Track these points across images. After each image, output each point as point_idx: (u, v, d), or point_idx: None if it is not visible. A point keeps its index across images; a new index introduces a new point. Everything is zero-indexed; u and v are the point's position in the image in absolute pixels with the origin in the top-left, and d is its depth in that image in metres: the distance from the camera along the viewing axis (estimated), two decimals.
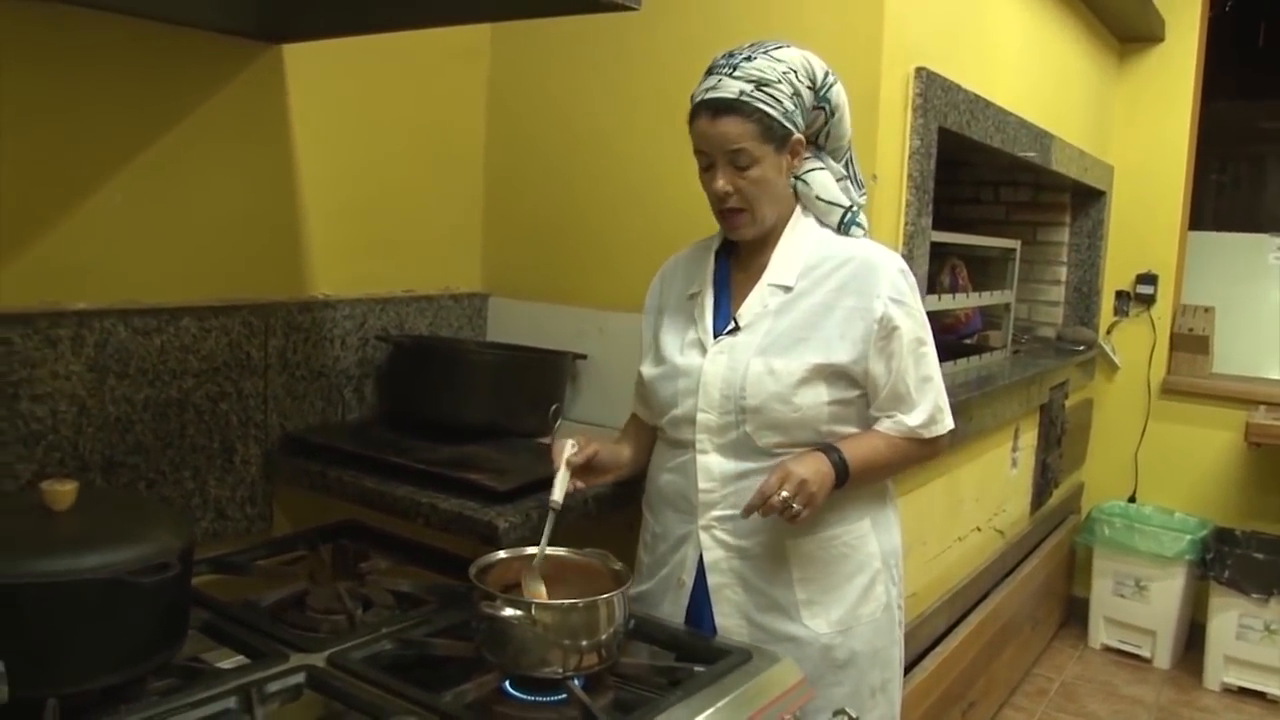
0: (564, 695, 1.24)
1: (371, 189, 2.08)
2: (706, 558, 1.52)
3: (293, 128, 1.91)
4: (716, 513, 1.51)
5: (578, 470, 1.51)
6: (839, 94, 1.51)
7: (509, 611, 1.21)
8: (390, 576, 1.66)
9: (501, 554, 1.39)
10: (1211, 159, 4.01)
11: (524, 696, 1.26)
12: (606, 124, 2.19)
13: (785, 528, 1.46)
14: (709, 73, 1.46)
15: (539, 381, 2.04)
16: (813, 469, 1.40)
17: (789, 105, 1.43)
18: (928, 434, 1.51)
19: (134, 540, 1.16)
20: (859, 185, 1.61)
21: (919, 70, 2.03)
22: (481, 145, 2.35)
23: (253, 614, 1.42)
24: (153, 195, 1.68)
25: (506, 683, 1.27)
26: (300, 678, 1.24)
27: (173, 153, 1.70)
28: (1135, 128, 3.84)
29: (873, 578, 1.55)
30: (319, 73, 1.92)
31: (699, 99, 1.45)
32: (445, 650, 1.35)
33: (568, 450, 1.49)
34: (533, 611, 1.22)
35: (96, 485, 1.59)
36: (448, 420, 1.91)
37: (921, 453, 1.54)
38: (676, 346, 1.57)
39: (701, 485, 1.51)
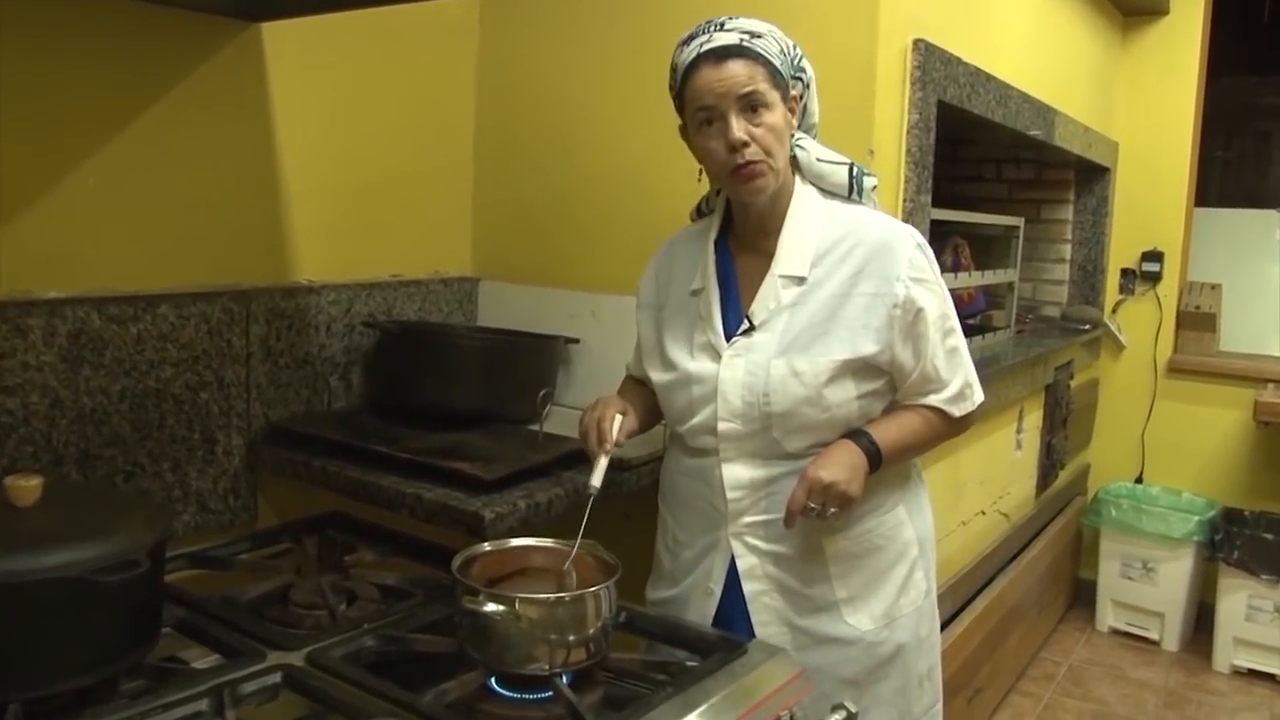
0: (550, 692, 1.20)
1: (357, 170, 2.02)
2: (740, 565, 1.44)
3: (274, 108, 1.85)
4: (748, 519, 1.43)
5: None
6: (809, 67, 1.45)
7: (491, 607, 1.17)
8: (376, 569, 1.61)
9: (486, 546, 1.34)
10: (1217, 135, 3.93)
11: (509, 694, 1.22)
12: (598, 103, 2.14)
13: (819, 526, 1.40)
14: (692, 37, 1.37)
15: (530, 367, 1.99)
16: (842, 465, 1.34)
17: (779, 60, 1.37)
18: (959, 411, 1.46)
19: (100, 537, 1.11)
20: None
21: (917, 42, 1.97)
22: (471, 124, 2.29)
23: (231, 610, 1.37)
24: (127, 178, 1.63)
25: (492, 680, 1.23)
26: (277, 677, 1.19)
27: (148, 135, 1.65)
28: (1139, 103, 3.77)
29: (911, 565, 1.49)
30: (300, 51, 1.87)
31: (696, 53, 1.34)
32: (428, 646, 1.30)
33: (615, 428, 1.42)
34: (516, 606, 1.17)
35: (70, 479, 1.54)
36: (436, 408, 1.86)
37: (952, 429, 1.48)
38: (685, 350, 1.46)
39: (730, 495, 1.42)
